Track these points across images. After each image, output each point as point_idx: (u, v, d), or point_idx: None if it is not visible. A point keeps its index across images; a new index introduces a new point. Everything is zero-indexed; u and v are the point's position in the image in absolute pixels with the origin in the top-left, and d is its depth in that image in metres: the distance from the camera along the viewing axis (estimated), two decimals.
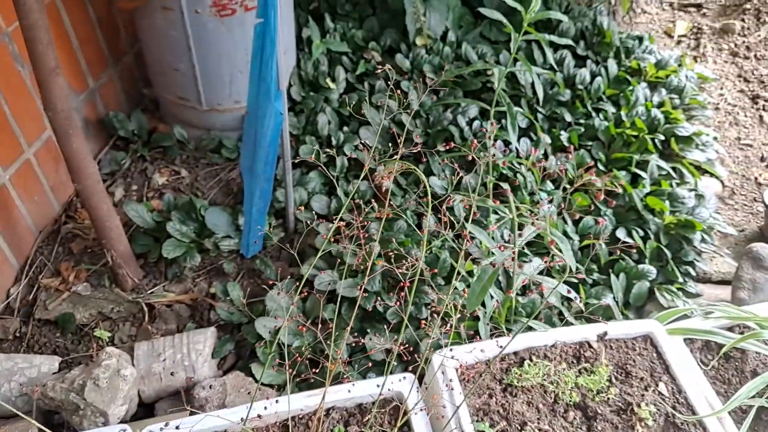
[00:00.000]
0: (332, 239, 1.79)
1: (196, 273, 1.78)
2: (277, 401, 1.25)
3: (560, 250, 1.42)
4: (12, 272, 1.74)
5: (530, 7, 1.47)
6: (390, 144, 2.06)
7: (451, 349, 1.36)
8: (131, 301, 1.71)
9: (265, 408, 1.24)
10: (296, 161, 1.81)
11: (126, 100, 2.16)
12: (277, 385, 1.54)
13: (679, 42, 2.83)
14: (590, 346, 1.43)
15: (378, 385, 1.30)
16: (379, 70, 2.06)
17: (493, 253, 1.50)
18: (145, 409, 1.51)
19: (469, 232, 1.48)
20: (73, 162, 1.52)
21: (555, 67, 2.24)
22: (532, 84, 2.10)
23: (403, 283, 1.09)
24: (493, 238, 1.60)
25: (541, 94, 1.87)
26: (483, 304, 1.49)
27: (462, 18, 2.42)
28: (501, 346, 1.23)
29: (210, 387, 1.46)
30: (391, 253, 1.71)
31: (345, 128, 2.07)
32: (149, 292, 1.73)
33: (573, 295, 1.47)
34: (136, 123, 2.05)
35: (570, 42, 1.54)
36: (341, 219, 1.82)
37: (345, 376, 1.28)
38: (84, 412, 1.37)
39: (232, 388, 1.49)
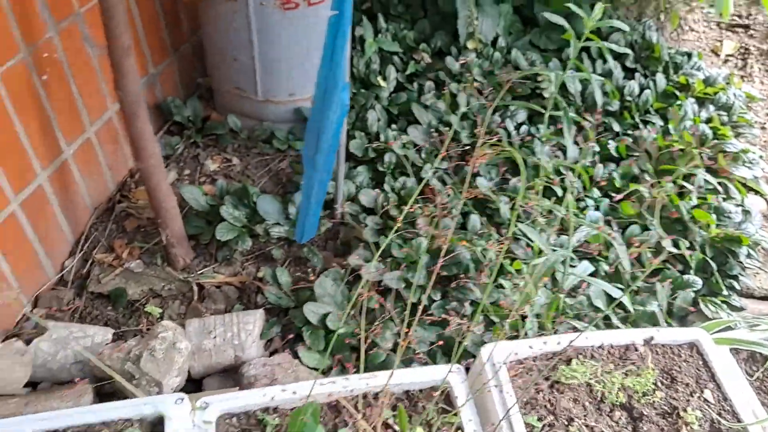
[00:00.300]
0: (379, 232, 1.83)
1: (245, 257, 1.82)
2: (334, 382, 1.28)
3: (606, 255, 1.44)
4: (67, 246, 1.79)
5: (593, 14, 1.50)
6: (437, 144, 2.11)
7: (498, 347, 1.38)
8: (182, 280, 1.75)
9: (321, 385, 1.27)
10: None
11: (182, 88, 2.21)
12: (322, 369, 1.57)
13: (726, 61, 2.84)
14: (636, 350, 1.44)
15: (428, 373, 1.33)
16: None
17: (542, 253, 1.52)
18: (194, 385, 1.55)
19: (520, 230, 1.50)
20: (138, 142, 1.57)
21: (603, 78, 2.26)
22: (582, 92, 2.12)
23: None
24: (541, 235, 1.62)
25: (600, 101, 1.90)
26: (531, 303, 1.51)
27: (512, 25, 2.45)
28: (559, 343, 1.25)
29: (264, 365, 1.49)
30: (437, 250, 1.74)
31: (393, 126, 2.11)
32: (199, 272, 1.77)
33: (619, 294, 1.48)
34: (191, 109, 2.10)
35: (628, 50, 1.56)
36: (388, 213, 1.85)
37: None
38: (139, 381, 1.41)
39: (279, 368, 1.52)
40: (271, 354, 1.62)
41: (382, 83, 2.17)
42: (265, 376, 1.51)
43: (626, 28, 1.50)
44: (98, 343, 1.55)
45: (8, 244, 1.52)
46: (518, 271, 1.64)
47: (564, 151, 2.05)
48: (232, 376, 1.57)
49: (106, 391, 1.53)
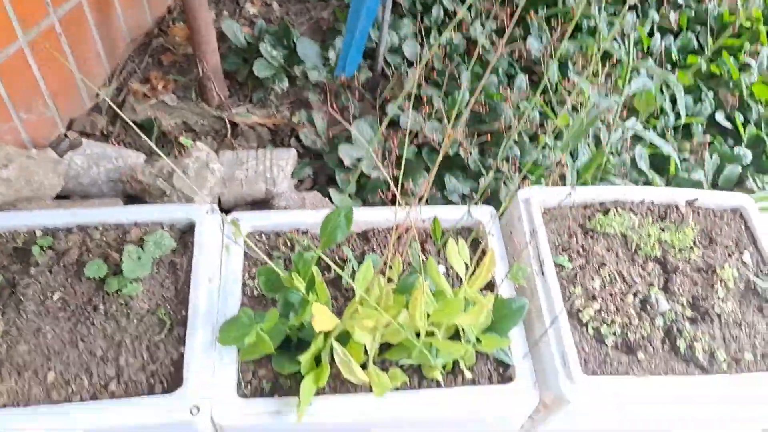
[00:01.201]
0: (420, 84, 1.77)
1: (280, 101, 1.78)
2: (366, 210, 1.27)
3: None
4: (103, 73, 1.77)
5: None
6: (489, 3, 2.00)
7: (535, 191, 1.34)
8: (215, 116, 1.73)
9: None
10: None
11: None
12: None
13: None
14: (678, 210, 1.39)
15: (460, 211, 1.31)
16: None
17: (589, 103, 1.45)
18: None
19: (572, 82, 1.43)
20: None
21: None
22: None
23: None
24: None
25: None
26: (573, 155, 1.46)
27: None
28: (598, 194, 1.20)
29: (294, 198, 1.48)
30: (478, 106, 1.68)
31: None
32: (233, 111, 1.75)
33: (669, 150, 1.42)
34: None
35: None
36: (432, 66, 1.79)
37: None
38: (170, 197, 1.41)
39: (310, 204, 1.51)
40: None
41: None
42: (295, 208, 1.50)
43: None
44: (131, 165, 1.54)
45: (45, 60, 1.50)
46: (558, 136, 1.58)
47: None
48: (262, 208, 1.56)
49: None
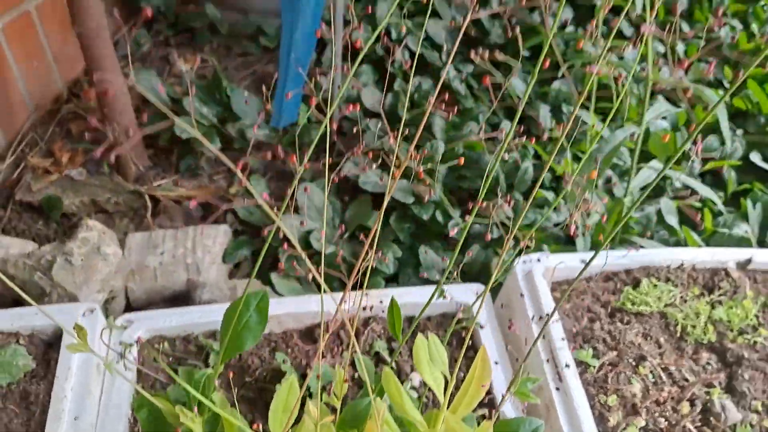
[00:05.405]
0: (383, 137, 1.45)
1: (215, 168, 1.45)
2: (306, 299, 0.92)
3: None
4: None
5: None
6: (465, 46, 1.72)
7: (539, 259, 0.99)
8: (133, 191, 1.39)
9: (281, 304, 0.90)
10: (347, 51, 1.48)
11: None
12: None
13: None
14: (728, 275, 1.04)
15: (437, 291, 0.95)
16: None
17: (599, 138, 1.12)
18: None
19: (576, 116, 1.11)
20: None
21: None
22: None
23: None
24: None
25: None
26: (586, 213, 1.12)
27: None
28: (624, 256, 0.86)
29: (222, 290, 1.12)
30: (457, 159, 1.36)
31: (408, 21, 1.72)
32: (155, 184, 1.41)
33: (711, 194, 1.09)
34: None
35: None
36: (397, 117, 1.48)
37: None
38: (50, 296, 1.05)
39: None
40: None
41: None
42: (225, 302, 1.14)
43: None
44: (14, 255, 1.19)
45: None
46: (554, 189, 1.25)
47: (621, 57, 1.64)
48: (183, 304, 1.20)
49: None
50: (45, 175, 1.40)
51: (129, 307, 1.19)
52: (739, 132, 1.44)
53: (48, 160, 1.44)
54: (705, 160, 1.38)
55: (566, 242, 1.24)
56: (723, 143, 1.39)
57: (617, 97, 1.38)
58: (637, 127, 1.02)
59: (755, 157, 1.39)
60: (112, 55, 1.26)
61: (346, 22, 1.47)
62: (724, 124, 1.19)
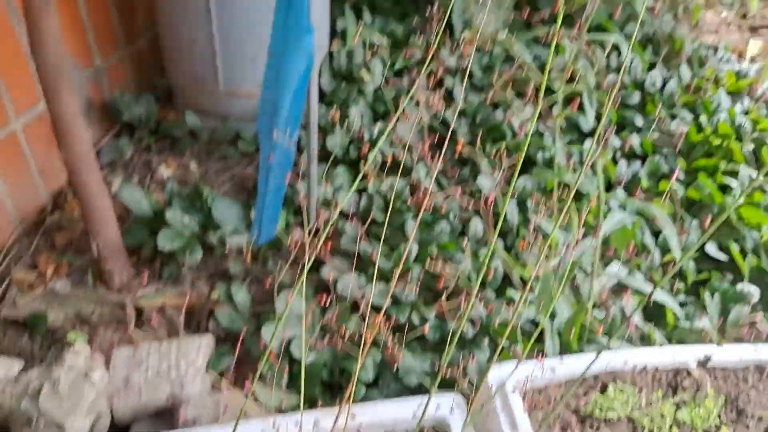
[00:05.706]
0: (360, 239, 1.51)
1: (196, 274, 1.50)
2: (288, 418, 0.95)
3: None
4: None
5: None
6: (433, 144, 1.81)
7: (511, 372, 1.04)
8: (116, 302, 1.42)
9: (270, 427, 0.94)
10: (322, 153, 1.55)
11: (136, 88, 1.93)
12: (285, 409, 1.24)
13: (752, 61, 2.56)
14: (689, 374, 1.10)
15: (414, 405, 0.99)
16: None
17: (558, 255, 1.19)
18: None
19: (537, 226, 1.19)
20: (61, 123, 1.26)
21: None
22: (595, 86, 1.83)
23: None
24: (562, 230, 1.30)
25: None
26: (551, 315, 1.18)
27: (514, 21, 2.18)
28: (591, 363, 0.92)
29: (206, 405, 1.15)
30: (431, 262, 1.42)
31: (379, 124, 1.81)
32: (138, 293, 1.45)
33: (670, 301, 1.15)
34: (144, 107, 1.80)
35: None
36: (371, 218, 1.54)
37: None
38: (37, 425, 1.07)
39: (228, 408, 1.18)
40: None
41: (367, 77, 1.88)
42: (207, 418, 1.17)
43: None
44: (0, 380, 1.21)
45: None
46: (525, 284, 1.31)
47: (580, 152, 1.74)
48: (167, 420, 1.22)
49: None
50: (30, 290, 1.44)
51: (114, 425, 1.21)
52: (695, 223, 1.52)
53: (33, 273, 1.47)
54: (663, 252, 1.46)
55: (538, 338, 1.29)
56: (679, 234, 1.47)
57: (573, 192, 1.47)
58: (596, 240, 1.09)
59: (710, 248, 1.47)
60: (98, 180, 1.32)
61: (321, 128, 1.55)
62: (673, 240, 1.27)
